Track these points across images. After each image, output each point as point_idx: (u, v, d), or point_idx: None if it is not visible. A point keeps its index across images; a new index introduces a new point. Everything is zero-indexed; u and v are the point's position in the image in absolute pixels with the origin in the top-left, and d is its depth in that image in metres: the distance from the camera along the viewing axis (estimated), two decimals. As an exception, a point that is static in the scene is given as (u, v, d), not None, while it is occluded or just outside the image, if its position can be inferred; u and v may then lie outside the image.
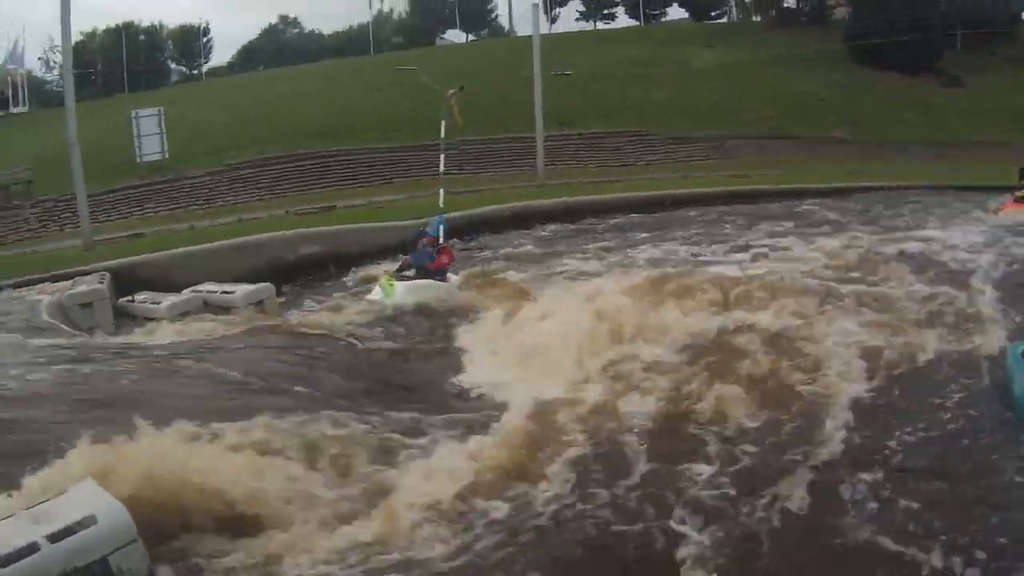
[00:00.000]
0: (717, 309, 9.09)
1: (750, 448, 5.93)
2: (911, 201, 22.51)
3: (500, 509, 5.22)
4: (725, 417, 6.45)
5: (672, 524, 5.00)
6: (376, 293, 12.54)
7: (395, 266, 13.77)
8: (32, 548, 3.84)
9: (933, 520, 4.86)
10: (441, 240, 13.80)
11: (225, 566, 4.60)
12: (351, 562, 4.67)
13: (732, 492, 5.33)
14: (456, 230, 17.25)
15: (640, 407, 6.81)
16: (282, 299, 13.87)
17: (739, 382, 7.07)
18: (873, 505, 5.07)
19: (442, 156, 17.18)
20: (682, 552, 4.73)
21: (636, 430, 6.35)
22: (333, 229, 18.03)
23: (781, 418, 6.43)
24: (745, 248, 15.67)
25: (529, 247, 18.02)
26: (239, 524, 4.91)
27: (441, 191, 16.50)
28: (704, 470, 5.64)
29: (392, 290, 12.21)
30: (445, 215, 14.43)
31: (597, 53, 55.40)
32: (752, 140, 44.81)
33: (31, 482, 4.79)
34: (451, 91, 17.85)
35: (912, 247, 12.75)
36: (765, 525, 4.98)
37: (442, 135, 16.88)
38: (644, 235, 18.50)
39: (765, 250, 15.04)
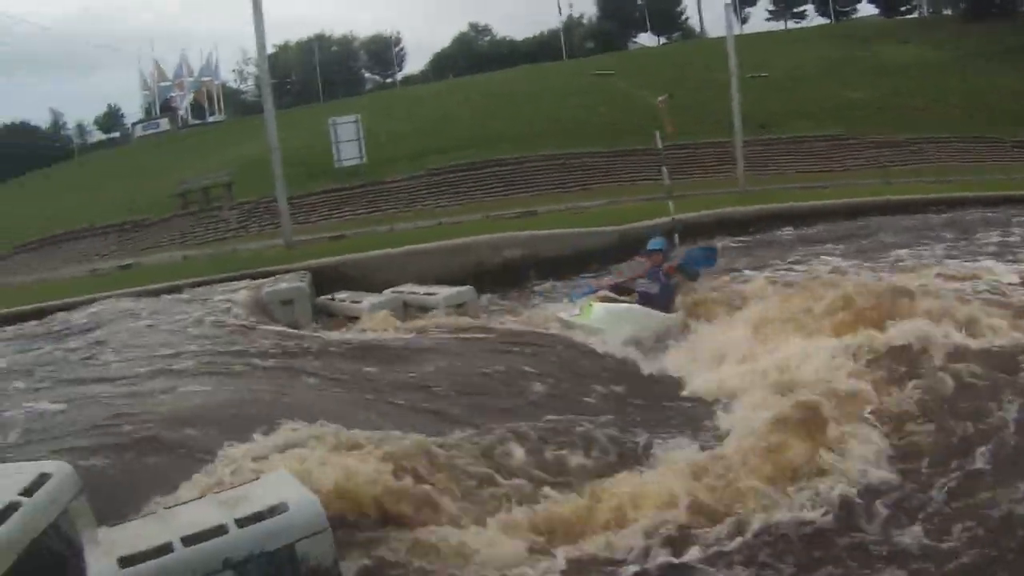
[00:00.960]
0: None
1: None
2: None
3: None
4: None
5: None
6: (566, 310, 10.86)
7: (604, 283, 12.04)
8: (220, 530, 3.98)
9: None
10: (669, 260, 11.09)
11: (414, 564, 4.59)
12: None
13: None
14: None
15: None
16: (483, 303, 13.58)
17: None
18: None
19: (664, 168, 16.30)
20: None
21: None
22: (535, 234, 17.77)
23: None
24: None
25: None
26: (431, 521, 4.90)
27: (671, 204, 15.62)
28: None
29: (589, 311, 10.19)
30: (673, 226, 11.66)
31: (790, 53, 54.46)
32: (953, 144, 42.17)
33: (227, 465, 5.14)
34: (661, 98, 17.20)
35: None
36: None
37: (659, 145, 16.03)
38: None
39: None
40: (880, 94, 47.07)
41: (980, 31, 57.78)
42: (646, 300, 10.48)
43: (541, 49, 79.33)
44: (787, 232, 19.82)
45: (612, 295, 10.91)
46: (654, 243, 11.20)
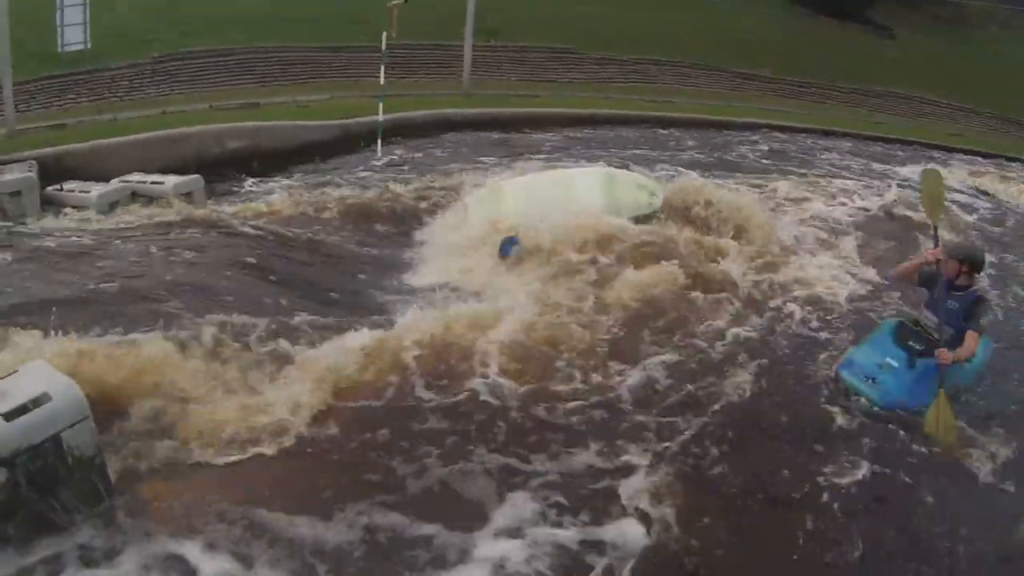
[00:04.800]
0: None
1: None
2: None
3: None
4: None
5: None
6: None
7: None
8: (-14, 425, 4.01)
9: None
10: None
11: (160, 446, 5.26)
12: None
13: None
14: (372, 135, 17.49)
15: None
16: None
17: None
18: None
19: (382, 68, 17.35)
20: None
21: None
22: (259, 125, 17.90)
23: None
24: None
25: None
26: (166, 408, 5.55)
27: (380, 104, 16.76)
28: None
29: None
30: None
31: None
32: (677, 67, 45.63)
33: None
34: (394, 2, 18.00)
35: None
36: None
37: (383, 47, 17.02)
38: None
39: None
40: (609, 12, 48.83)
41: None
42: None
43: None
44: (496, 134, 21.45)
45: None
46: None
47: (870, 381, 6.88)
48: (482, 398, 6.24)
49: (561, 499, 5.12)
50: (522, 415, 6.13)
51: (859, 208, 14.49)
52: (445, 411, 6.04)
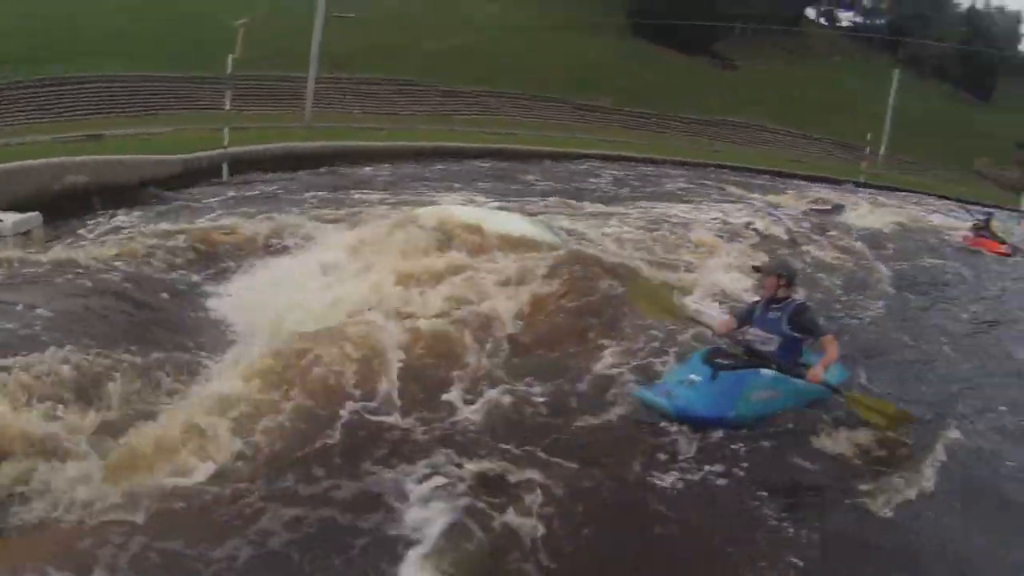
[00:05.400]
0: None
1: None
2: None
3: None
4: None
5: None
6: None
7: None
8: None
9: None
10: None
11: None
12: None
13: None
14: (215, 169, 17.52)
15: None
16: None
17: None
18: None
19: (228, 93, 17.53)
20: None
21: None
22: (99, 159, 17.26)
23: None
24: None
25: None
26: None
27: (226, 130, 16.88)
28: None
29: None
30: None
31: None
32: (518, 99, 47.07)
33: None
34: (241, 22, 17.90)
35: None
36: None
37: (229, 70, 17.26)
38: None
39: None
40: (456, 46, 50.35)
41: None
42: None
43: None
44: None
45: None
46: None
47: (667, 395, 7.08)
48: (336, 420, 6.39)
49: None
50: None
51: (703, 230, 16.05)
52: (306, 437, 6.10)
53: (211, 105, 32.32)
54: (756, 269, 8.65)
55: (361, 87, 42.71)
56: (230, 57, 17.13)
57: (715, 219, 17.93)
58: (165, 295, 9.90)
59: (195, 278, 10.89)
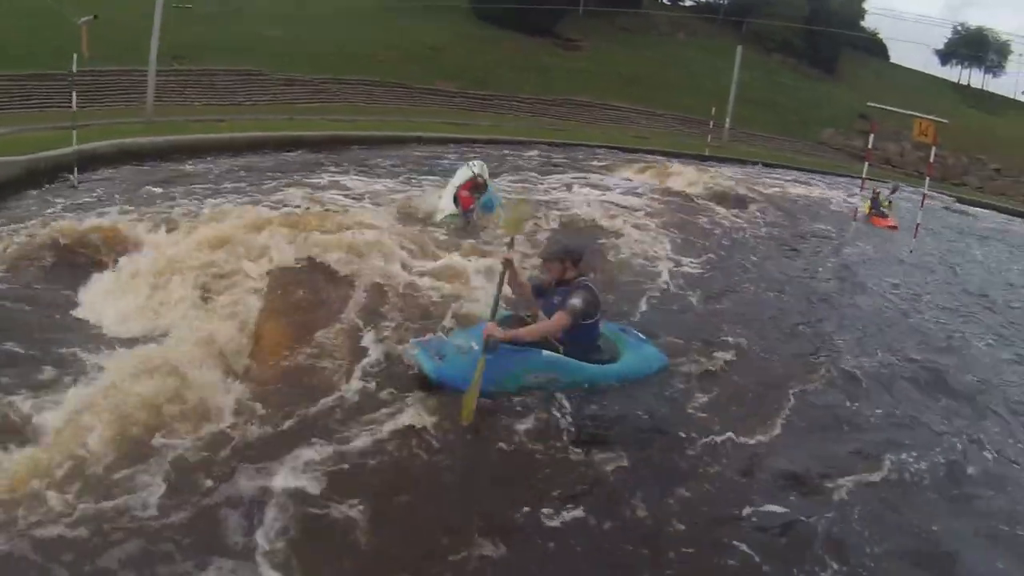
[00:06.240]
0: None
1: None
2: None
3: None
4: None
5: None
6: None
7: None
8: None
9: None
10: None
11: None
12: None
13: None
14: (66, 166, 16.87)
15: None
16: None
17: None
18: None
19: (74, 93, 17.27)
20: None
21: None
22: None
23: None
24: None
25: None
26: None
27: (74, 133, 16.63)
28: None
29: None
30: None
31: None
32: (359, 85, 47.91)
33: None
34: (84, 19, 17.90)
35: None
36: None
37: (74, 69, 16.75)
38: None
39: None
40: (299, 35, 50.69)
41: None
42: None
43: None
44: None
45: None
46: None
47: (437, 358, 6.96)
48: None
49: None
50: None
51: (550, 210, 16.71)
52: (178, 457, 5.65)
53: (54, 103, 31.98)
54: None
55: (203, 79, 42.26)
56: (75, 56, 16.71)
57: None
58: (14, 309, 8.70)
59: (39, 289, 9.44)
